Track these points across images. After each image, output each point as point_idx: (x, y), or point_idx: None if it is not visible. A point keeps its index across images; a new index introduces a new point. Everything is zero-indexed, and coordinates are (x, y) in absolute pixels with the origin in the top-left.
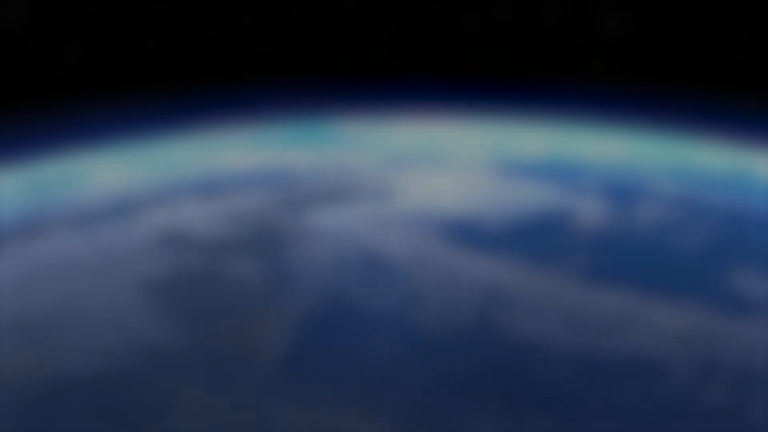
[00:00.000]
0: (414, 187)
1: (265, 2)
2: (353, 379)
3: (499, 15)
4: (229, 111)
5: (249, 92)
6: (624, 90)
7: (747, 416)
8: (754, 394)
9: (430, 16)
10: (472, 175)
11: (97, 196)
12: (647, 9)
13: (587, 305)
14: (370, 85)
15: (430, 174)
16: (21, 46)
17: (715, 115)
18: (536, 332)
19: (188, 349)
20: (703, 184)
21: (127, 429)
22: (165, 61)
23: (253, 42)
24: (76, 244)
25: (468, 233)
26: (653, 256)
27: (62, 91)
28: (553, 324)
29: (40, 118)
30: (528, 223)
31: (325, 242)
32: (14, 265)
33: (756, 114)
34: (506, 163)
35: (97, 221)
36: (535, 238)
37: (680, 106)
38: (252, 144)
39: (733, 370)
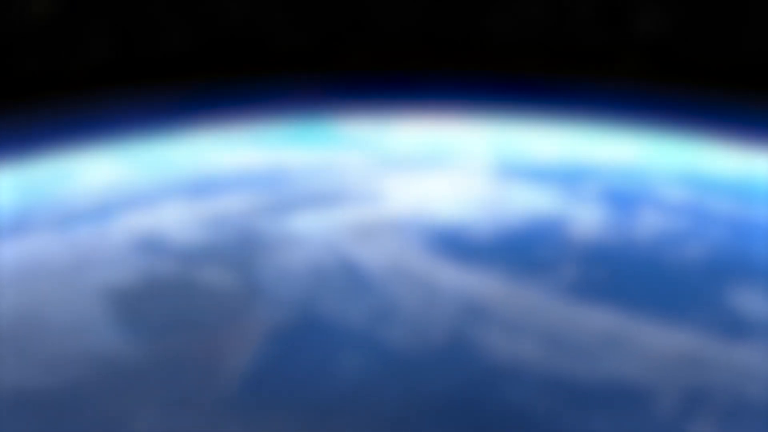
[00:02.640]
0: (408, 192)
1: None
2: (315, 400)
3: (527, 12)
4: (235, 109)
5: (258, 90)
6: (657, 92)
7: None
8: (746, 426)
9: (455, 12)
10: (472, 180)
11: (86, 196)
12: (684, 6)
13: (571, 324)
14: (386, 84)
15: (428, 177)
16: (44, 41)
17: (747, 120)
18: (514, 353)
19: (147, 364)
20: (719, 191)
21: None
22: (171, 59)
23: (267, 40)
24: (51, 246)
25: (455, 242)
26: (649, 270)
27: (83, 87)
28: (533, 344)
29: (55, 114)
30: (521, 232)
31: (303, 249)
32: None
33: None
34: (511, 167)
35: (79, 222)
36: (525, 249)
37: (714, 109)
38: (251, 144)
39: (725, 399)
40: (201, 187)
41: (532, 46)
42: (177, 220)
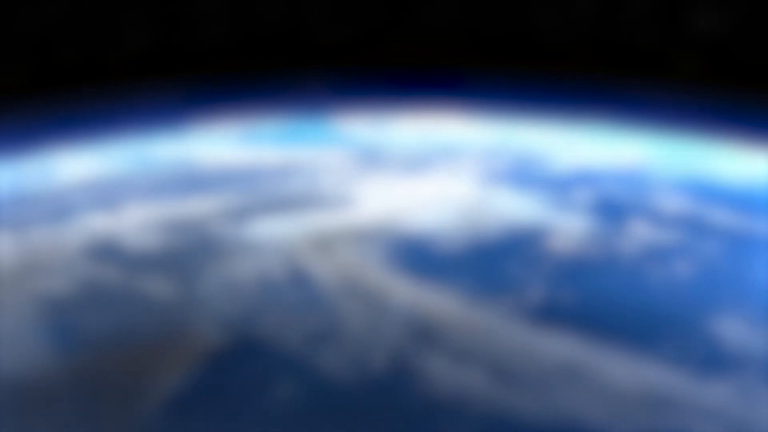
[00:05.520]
0: (388, 197)
1: None
2: (236, 430)
3: (577, 9)
4: (248, 105)
5: (283, 85)
6: (712, 96)
7: None
8: None
9: (501, 7)
10: (462, 186)
11: (63, 194)
12: (745, 5)
13: (527, 353)
14: (416, 82)
15: (418, 182)
16: (83, 30)
17: None
18: (457, 385)
19: (66, 382)
20: (732, 202)
21: None
22: (210, 51)
23: (305, 34)
24: (3, 246)
25: (420, 255)
26: (626, 293)
27: (121, 77)
28: (480, 375)
29: (91, 104)
30: (495, 246)
31: (257, 260)
32: None
33: None
34: (513, 173)
35: (44, 221)
36: (495, 264)
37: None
38: (248, 141)
39: None
40: (180, 187)
41: (581, 45)
42: (139, 224)
